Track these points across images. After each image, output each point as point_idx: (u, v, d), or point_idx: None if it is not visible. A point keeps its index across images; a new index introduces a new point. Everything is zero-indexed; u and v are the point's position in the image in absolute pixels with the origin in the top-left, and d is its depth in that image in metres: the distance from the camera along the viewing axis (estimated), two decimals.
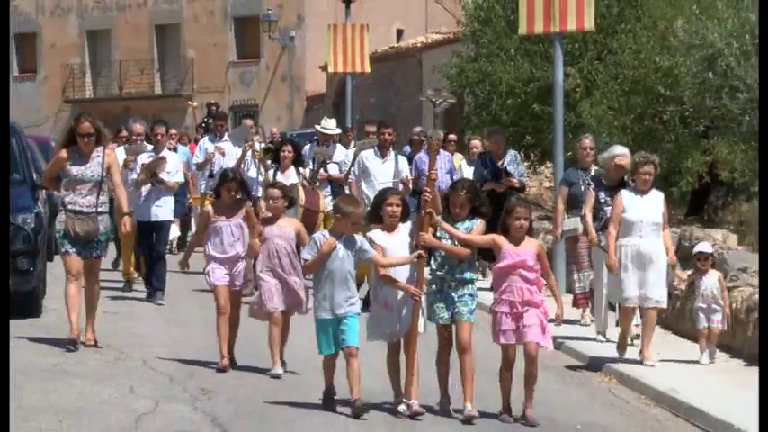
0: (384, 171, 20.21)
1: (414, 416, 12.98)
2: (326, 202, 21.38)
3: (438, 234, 13.07)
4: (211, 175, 23.20)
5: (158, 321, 19.02)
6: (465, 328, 13.01)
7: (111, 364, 14.84)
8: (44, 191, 19.56)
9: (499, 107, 33.98)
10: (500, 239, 13.06)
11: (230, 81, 63.01)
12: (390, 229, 13.04)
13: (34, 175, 19.89)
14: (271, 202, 14.96)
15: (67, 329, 16.07)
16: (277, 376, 14.65)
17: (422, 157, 22.47)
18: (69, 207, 15.71)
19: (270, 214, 15.28)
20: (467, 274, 13.17)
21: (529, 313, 12.84)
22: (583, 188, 18.65)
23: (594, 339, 17.66)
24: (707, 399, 14.21)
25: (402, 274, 13.09)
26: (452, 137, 26.02)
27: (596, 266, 17.68)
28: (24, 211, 18.37)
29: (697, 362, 16.20)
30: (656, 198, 16.28)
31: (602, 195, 17.45)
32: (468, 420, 12.93)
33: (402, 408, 13.09)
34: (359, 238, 12.94)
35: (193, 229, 24.83)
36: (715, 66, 23.17)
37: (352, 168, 20.85)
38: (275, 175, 20.58)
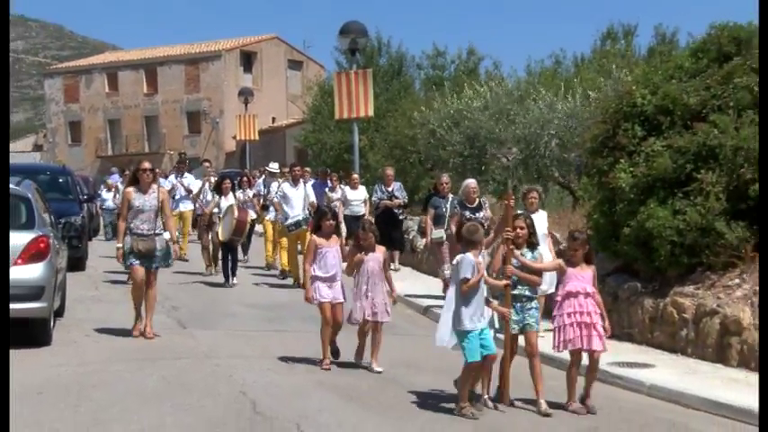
0: (297, 195, 17.16)
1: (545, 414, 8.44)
2: (272, 216, 18.41)
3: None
4: (173, 197, 19.78)
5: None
6: (533, 335, 8.73)
7: (124, 294, 14.04)
8: (86, 204, 19.15)
9: (327, 156, 34.34)
10: (565, 265, 8.83)
11: (185, 145, 61.47)
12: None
13: (80, 196, 19.44)
14: (370, 235, 10.12)
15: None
16: (379, 372, 9.92)
17: (313, 184, 19.33)
18: (134, 231, 11.42)
19: None
20: (532, 293, 8.87)
21: (596, 324, 8.64)
22: (444, 209, 15.25)
23: None
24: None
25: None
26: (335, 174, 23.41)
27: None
28: (75, 215, 17.98)
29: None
30: (543, 216, 12.28)
31: (466, 213, 13.92)
32: (545, 415, 8.35)
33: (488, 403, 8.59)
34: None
35: None
36: (435, 134, 22.85)
37: (277, 193, 17.38)
38: (220, 199, 17.34)
